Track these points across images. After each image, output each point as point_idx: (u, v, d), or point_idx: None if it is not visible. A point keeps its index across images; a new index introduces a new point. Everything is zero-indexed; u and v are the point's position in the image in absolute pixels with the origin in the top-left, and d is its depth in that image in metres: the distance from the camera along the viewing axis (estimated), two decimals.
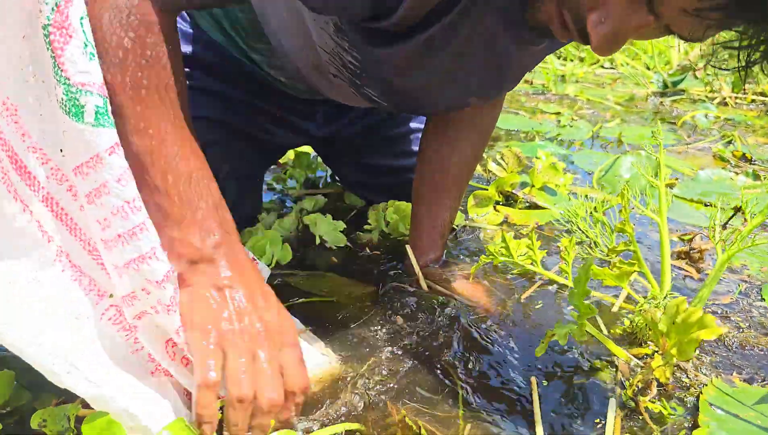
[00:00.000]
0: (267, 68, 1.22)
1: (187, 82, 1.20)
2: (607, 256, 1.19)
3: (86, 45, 0.66)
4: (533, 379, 0.95)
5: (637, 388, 0.92)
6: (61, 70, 0.65)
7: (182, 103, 0.79)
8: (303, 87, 1.24)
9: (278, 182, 1.71)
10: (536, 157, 1.67)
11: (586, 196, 1.60)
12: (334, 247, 1.36)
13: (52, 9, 0.64)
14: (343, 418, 0.83)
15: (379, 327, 1.06)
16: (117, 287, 0.69)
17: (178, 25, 1.19)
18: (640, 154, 1.87)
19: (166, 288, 0.70)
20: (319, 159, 1.71)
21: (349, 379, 0.92)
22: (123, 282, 0.68)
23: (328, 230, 1.37)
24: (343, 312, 1.11)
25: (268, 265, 1.24)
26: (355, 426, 0.81)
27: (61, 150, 0.68)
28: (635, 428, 0.87)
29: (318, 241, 1.37)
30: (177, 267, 0.76)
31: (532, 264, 1.19)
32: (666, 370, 0.86)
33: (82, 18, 0.67)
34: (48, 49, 0.65)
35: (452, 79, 0.95)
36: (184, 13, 1.20)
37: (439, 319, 1.08)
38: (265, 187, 1.64)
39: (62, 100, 0.65)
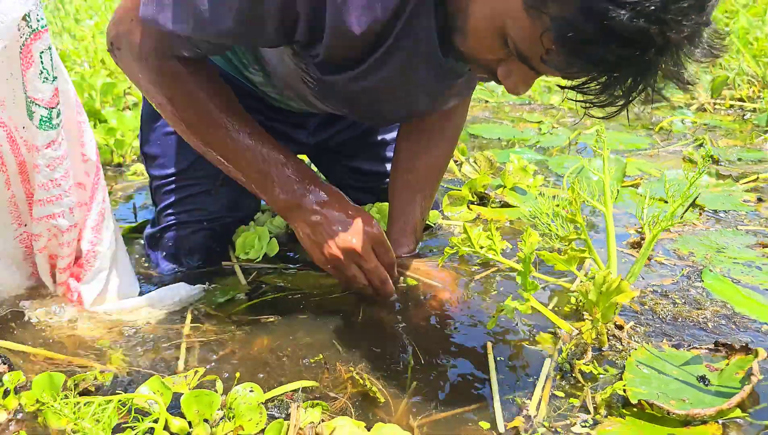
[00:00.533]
0: (263, 87, 1.37)
1: None
2: (560, 242, 1.32)
3: (41, 72, 0.93)
4: (488, 344, 1.08)
5: (571, 353, 1.05)
6: (24, 85, 0.94)
7: (228, 109, 1.10)
8: (294, 102, 1.39)
9: None
10: (509, 162, 1.80)
11: (554, 196, 1.73)
12: None
13: (22, 44, 0.91)
14: (300, 377, 0.97)
15: (345, 308, 1.20)
16: (33, 227, 1.07)
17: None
18: (609, 157, 2.00)
19: (67, 234, 1.07)
20: (313, 166, 1.86)
21: (308, 347, 1.06)
22: (36, 227, 1.06)
23: None
24: (317, 298, 1.25)
25: (256, 259, 1.39)
26: (310, 383, 0.95)
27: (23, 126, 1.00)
28: (567, 386, 0.99)
29: None
30: (282, 216, 1.17)
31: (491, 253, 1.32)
32: (593, 332, 0.99)
33: (42, 52, 0.92)
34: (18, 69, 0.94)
35: (390, 98, 1.11)
36: None
37: (403, 298, 1.22)
38: None
39: (25, 102, 0.95)
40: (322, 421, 0.85)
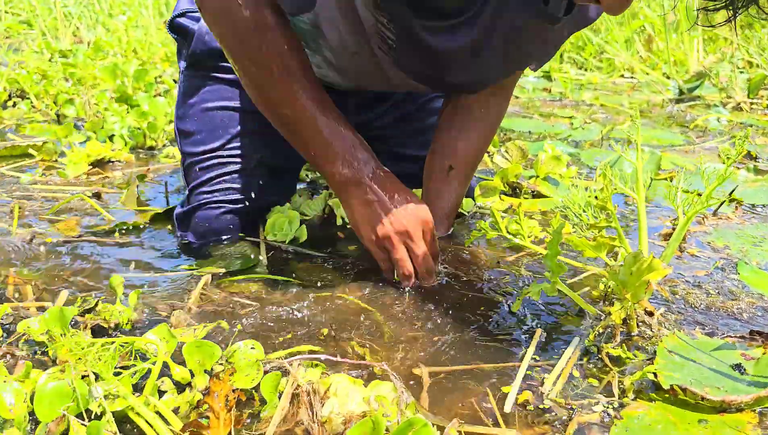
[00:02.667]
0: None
1: (231, 77, 1.34)
2: (590, 230, 1.29)
3: None
4: (539, 331, 1.05)
5: (599, 336, 1.03)
6: None
7: (306, 71, 1.09)
8: (336, 80, 1.36)
9: (313, 172, 1.85)
10: (542, 151, 1.78)
11: (585, 188, 1.70)
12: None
13: None
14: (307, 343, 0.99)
15: (357, 292, 1.18)
16: None
17: None
18: (643, 150, 1.96)
19: None
20: None
21: (315, 321, 1.07)
22: None
23: None
24: (330, 282, 1.24)
25: (285, 242, 1.37)
26: (314, 348, 0.96)
27: None
28: (595, 369, 0.97)
29: (340, 221, 1.49)
30: (337, 191, 1.15)
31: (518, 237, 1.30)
32: (621, 313, 0.97)
33: None
34: None
35: (477, 53, 1.10)
36: None
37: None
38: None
39: None
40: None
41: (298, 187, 1.69)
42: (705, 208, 1.07)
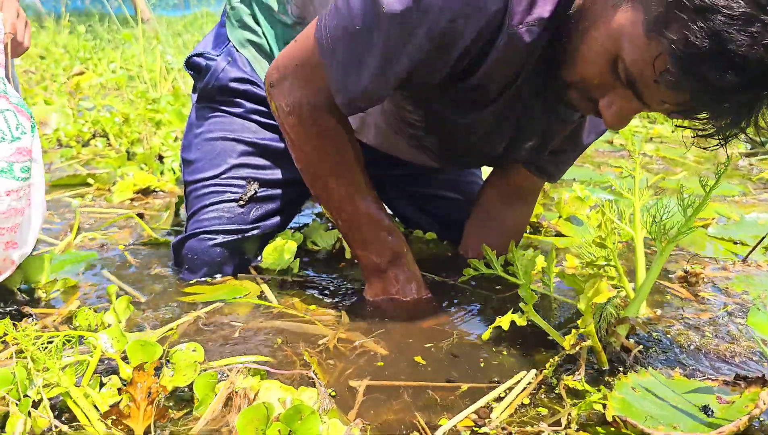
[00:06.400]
0: None
1: (238, 111, 1.38)
2: (587, 268, 1.25)
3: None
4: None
5: (557, 366, 0.98)
6: None
7: (363, 171, 1.18)
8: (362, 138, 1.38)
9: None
10: (566, 191, 1.74)
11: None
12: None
13: None
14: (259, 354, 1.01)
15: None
16: None
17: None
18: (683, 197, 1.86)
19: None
20: None
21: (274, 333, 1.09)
22: None
23: None
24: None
25: (275, 270, 1.38)
26: (266, 358, 0.97)
27: None
28: (547, 400, 0.93)
29: (349, 255, 1.50)
30: (364, 272, 1.24)
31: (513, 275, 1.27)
32: (571, 339, 0.92)
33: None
34: None
35: (495, 139, 1.21)
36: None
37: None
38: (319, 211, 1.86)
39: None
40: None
41: (315, 219, 1.74)
42: (681, 237, 1.02)
